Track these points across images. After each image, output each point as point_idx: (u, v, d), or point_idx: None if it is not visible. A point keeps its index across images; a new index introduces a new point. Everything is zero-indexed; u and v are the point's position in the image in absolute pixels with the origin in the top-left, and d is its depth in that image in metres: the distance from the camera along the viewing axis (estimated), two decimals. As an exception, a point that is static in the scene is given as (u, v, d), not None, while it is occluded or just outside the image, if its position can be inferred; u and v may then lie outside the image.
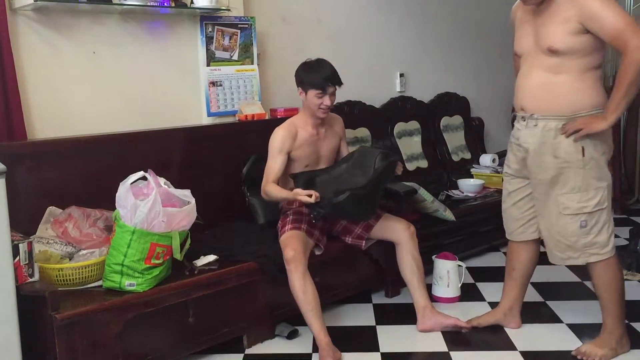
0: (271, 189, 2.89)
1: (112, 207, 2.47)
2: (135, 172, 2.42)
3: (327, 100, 2.91)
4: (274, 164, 2.93)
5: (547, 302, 3.21)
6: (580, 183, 2.51)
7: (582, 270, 3.64)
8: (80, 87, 3.01)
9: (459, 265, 3.27)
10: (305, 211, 2.94)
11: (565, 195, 2.54)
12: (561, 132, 2.49)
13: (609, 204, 2.56)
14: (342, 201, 2.69)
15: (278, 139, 2.94)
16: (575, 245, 2.56)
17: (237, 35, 3.49)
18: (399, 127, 4.39)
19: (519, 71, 2.65)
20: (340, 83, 2.93)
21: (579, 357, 2.62)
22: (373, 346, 2.79)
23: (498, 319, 2.94)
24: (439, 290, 3.26)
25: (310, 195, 2.67)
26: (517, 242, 2.84)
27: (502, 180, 2.93)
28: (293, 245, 2.71)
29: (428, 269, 3.20)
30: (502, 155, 4.78)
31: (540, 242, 2.80)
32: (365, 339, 2.87)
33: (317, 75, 2.89)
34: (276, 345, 2.82)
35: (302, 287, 2.66)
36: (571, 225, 2.55)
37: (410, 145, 4.42)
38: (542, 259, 3.80)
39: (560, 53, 2.43)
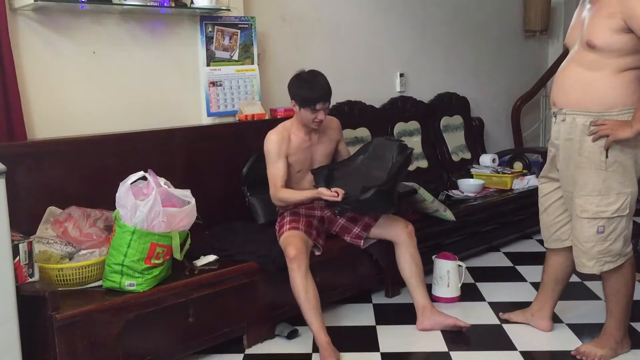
0: (286, 194, 2.88)
1: (112, 207, 2.47)
2: (135, 172, 2.42)
3: (320, 115, 2.87)
4: (278, 169, 2.90)
5: (547, 302, 3.20)
6: (600, 186, 2.42)
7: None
8: (80, 87, 3.01)
9: (459, 265, 3.27)
10: (302, 212, 2.94)
11: (583, 197, 2.46)
12: (588, 133, 2.41)
13: (632, 211, 2.47)
14: (368, 197, 2.72)
15: (273, 143, 2.91)
16: (589, 252, 2.48)
17: (237, 35, 3.49)
18: (399, 127, 4.39)
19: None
20: (330, 101, 2.90)
21: (578, 356, 2.62)
22: (373, 346, 2.79)
23: (527, 319, 2.93)
24: (439, 290, 3.26)
25: (336, 194, 2.69)
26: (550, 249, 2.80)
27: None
28: (295, 244, 2.71)
29: (428, 269, 3.20)
30: (502, 155, 4.80)
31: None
32: (365, 339, 2.87)
33: (309, 93, 2.83)
34: (276, 345, 2.82)
35: (303, 286, 2.66)
36: (587, 229, 2.47)
37: (410, 145, 4.38)
38: (536, 256, 3.81)
39: (598, 49, 2.35)
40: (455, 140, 4.78)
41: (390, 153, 2.94)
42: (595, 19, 2.38)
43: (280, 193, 2.89)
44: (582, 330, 2.88)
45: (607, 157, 2.39)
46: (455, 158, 4.71)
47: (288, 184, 2.95)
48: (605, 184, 2.42)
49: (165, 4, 3.08)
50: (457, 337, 2.85)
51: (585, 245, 2.49)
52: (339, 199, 2.70)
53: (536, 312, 2.91)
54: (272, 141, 2.92)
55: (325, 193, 2.73)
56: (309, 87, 2.85)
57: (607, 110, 2.39)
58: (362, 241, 3.01)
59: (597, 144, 2.41)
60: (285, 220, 2.89)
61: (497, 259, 3.98)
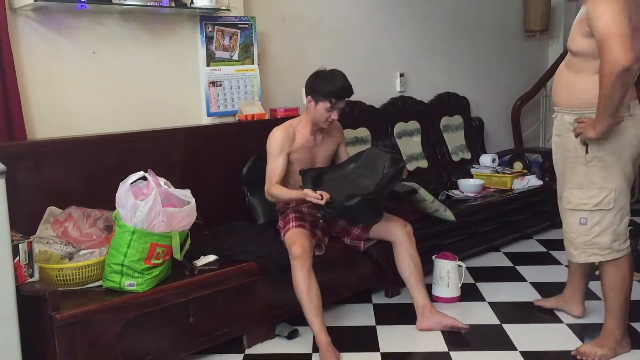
0: (277, 190, 2.88)
1: (112, 207, 2.47)
2: (135, 172, 2.42)
3: (334, 115, 2.90)
4: (276, 166, 2.91)
5: (547, 302, 3.21)
6: (582, 179, 2.54)
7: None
8: (80, 87, 3.01)
9: (459, 265, 3.27)
10: (305, 210, 2.94)
11: (569, 190, 2.59)
12: (572, 129, 2.54)
13: (620, 207, 2.52)
14: (353, 205, 2.70)
15: (277, 140, 2.93)
16: (574, 242, 2.60)
17: (237, 35, 3.49)
18: (399, 127, 4.39)
19: None
20: (351, 94, 2.93)
21: (578, 357, 2.63)
22: (373, 346, 2.79)
23: (560, 305, 3.03)
24: (439, 290, 3.26)
25: (321, 196, 2.68)
26: None
27: None
28: (300, 242, 2.71)
29: (428, 269, 3.20)
30: (502, 155, 4.80)
31: None
32: (365, 339, 2.87)
33: (332, 87, 2.85)
34: (276, 345, 2.82)
35: (306, 285, 2.66)
36: (571, 220, 2.60)
37: (410, 145, 4.42)
38: (536, 256, 3.82)
39: (575, 54, 2.51)
40: (455, 140, 4.78)
41: (382, 164, 2.93)
42: (575, 24, 2.51)
43: (272, 189, 2.90)
44: (582, 330, 2.88)
45: (587, 152, 2.51)
46: (455, 158, 4.71)
47: (288, 181, 2.96)
48: (587, 178, 2.53)
49: (165, 4, 3.07)
50: (457, 337, 2.85)
51: (570, 235, 2.62)
52: (322, 202, 2.69)
53: (569, 298, 3.00)
54: (276, 137, 2.93)
55: (310, 195, 2.71)
56: (333, 82, 2.88)
57: (587, 109, 2.50)
58: (362, 243, 3.01)
59: (578, 140, 2.53)
60: (289, 217, 2.89)
61: (497, 259, 3.97)
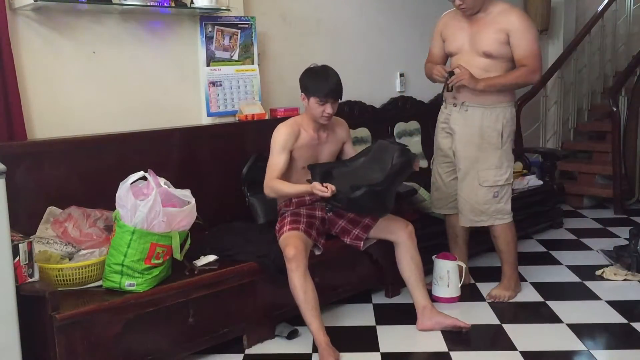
0: (279, 185, 2.86)
1: (112, 207, 2.46)
2: (135, 172, 2.42)
3: (328, 109, 2.88)
4: (278, 161, 2.90)
5: (547, 302, 3.21)
6: (496, 161, 3.25)
7: (582, 271, 3.65)
8: (80, 87, 3.01)
9: (459, 265, 3.27)
10: (303, 212, 2.94)
11: (485, 170, 3.22)
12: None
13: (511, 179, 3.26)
14: (358, 196, 2.70)
15: (282, 136, 2.91)
16: (487, 211, 3.21)
17: (237, 35, 3.49)
18: (399, 127, 4.39)
19: None
20: (340, 97, 2.92)
21: (491, 299, 3.24)
22: (373, 346, 2.79)
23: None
24: (439, 290, 3.26)
25: (326, 189, 2.67)
26: None
27: None
28: (294, 244, 2.71)
29: (428, 269, 3.20)
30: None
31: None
32: (365, 339, 2.87)
33: (320, 85, 2.85)
34: (276, 345, 2.82)
35: (302, 287, 2.66)
36: (488, 195, 3.20)
37: (410, 145, 4.38)
38: (536, 257, 3.82)
39: (489, 56, 3.09)
40: (455, 140, 4.76)
41: (390, 156, 2.92)
42: (485, 32, 3.14)
43: (273, 182, 2.87)
44: (582, 330, 2.88)
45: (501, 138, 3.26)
46: (455, 158, 4.69)
47: (290, 178, 2.95)
48: (500, 160, 3.21)
49: (165, 4, 3.07)
50: (457, 337, 2.85)
51: (483, 207, 3.21)
52: (328, 194, 2.69)
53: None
54: (281, 133, 2.92)
55: (317, 187, 2.71)
56: (320, 79, 2.87)
57: (500, 104, 3.18)
58: (362, 242, 3.00)
59: (498, 129, 3.21)
60: (285, 220, 2.89)
61: (497, 259, 3.96)
